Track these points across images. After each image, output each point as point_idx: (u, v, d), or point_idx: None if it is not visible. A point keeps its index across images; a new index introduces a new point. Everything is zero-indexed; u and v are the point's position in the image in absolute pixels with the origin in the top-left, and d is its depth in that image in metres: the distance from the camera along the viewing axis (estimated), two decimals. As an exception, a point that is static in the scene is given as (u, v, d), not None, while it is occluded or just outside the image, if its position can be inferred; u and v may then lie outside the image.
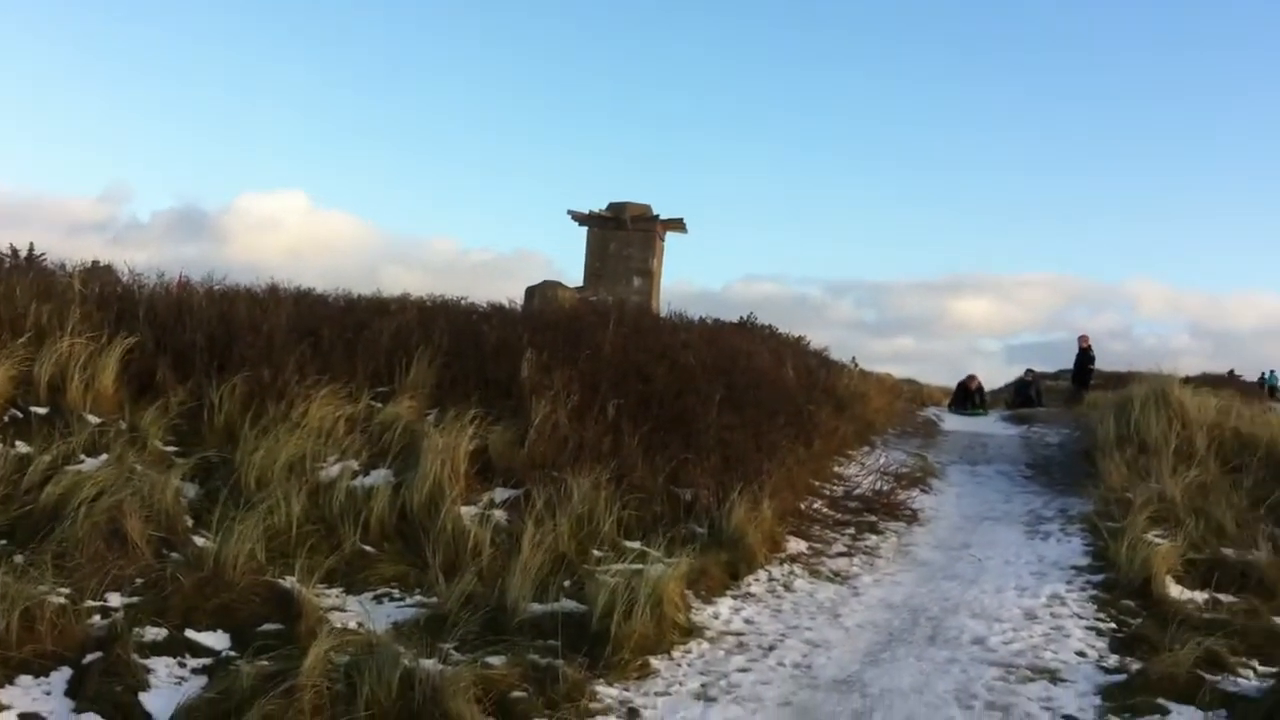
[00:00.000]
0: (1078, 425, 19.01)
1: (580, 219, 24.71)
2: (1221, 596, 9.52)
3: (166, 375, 9.87)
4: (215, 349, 10.49)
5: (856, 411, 18.86)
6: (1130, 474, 13.30)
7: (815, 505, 12.76)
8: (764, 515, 10.70)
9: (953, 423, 23.09)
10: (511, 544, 8.84)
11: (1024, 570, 10.75)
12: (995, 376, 40.48)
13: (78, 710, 5.92)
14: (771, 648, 8.18)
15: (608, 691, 7.08)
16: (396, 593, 8.34)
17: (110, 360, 9.59)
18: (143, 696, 6.13)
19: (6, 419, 9.02)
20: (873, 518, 12.71)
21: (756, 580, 9.90)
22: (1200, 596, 9.57)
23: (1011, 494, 14.93)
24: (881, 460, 15.94)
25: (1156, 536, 10.70)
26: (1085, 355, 25.58)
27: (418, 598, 8.23)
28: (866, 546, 11.56)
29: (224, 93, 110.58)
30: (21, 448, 8.58)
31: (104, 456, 8.58)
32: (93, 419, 9.07)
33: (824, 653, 8.12)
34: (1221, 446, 13.93)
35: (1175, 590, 9.66)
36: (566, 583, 8.51)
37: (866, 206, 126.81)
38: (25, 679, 6.15)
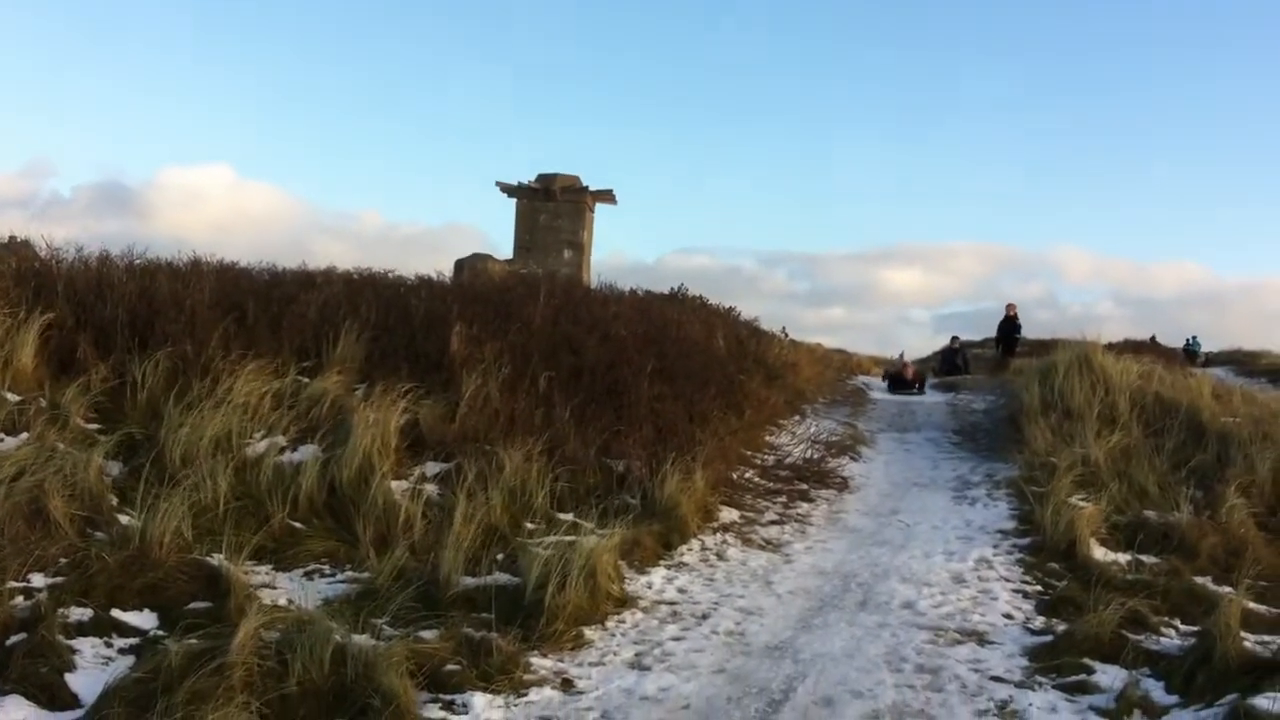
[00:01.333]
0: (1003, 392, 19.31)
1: (509, 190, 24.54)
2: (1144, 558, 9.73)
3: (87, 352, 9.65)
4: (137, 325, 10.27)
5: (787, 381, 19.00)
6: (1055, 439, 13.55)
7: (747, 474, 12.84)
8: (696, 485, 10.74)
9: (882, 391, 23.35)
10: (443, 518, 8.79)
11: (952, 535, 10.92)
12: (924, 346, 40.98)
13: (2, 692, 5.79)
14: (705, 616, 8.23)
15: (542, 663, 7.08)
16: (327, 569, 8.25)
17: (28, 337, 9.35)
18: (69, 678, 6.00)
19: (-80, 398, 8.77)
20: (804, 486, 12.82)
21: (689, 550, 9.95)
22: (1123, 558, 9.78)
23: (939, 460, 15.13)
24: (812, 429, 16.09)
25: (1081, 500, 10.93)
26: (1011, 323, 25.96)
27: (349, 573, 8.15)
28: (798, 514, 11.67)
29: (148, 64, 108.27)
30: (-63, 427, 8.35)
31: (24, 435, 8.38)
32: (11, 397, 8.85)
33: (757, 620, 8.18)
34: (1144, 411, 14.22)
35: (1099, 552, 9.86)
36: (499, 556, 8.49)
37: (800, 176, 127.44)
38: (-55, 660, 6.00)
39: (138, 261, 12.00)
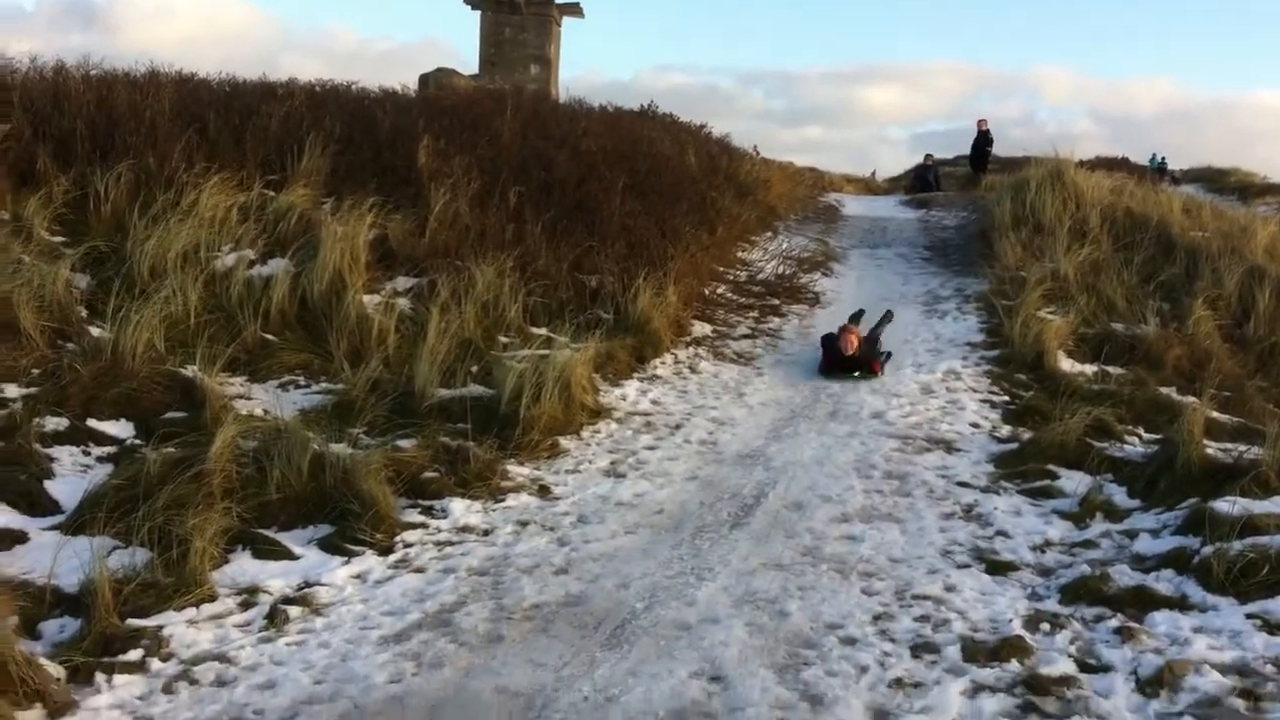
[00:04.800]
0: (975, 208, 19.25)
1: (474, 3, 23.76)
2: (1110, 369, 9.89)
3: (47, 164, 9.39)
4: (97, 137, 9.99)
5: (759, 198, 18.84)
6: (1025, 254, 13.58)
7: (719, 290, 12.86)
8: (669, 301, 10.76)
9: (853, 208, 23.23)
10: (417, 332, 8.79)
11: (921, 348, 11.03)
12: (898, 164, 40.74)
13: (-19, 499, 5.83)
14: (678, 426, 8.34)
15: (519, 470, 7.18)
16: (302, 380, 8.26)
17: (-15, 149, 9.10)
18: (48, 484, 6.05)
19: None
20: (775, 301, 12.86)
21: (662, 363, 10.02)
22: (1090, 369, 9.92)
23: (910, 276, 15.16)
24: (784, 245, 16.04)
25: (1049, 313, 11.02)
26: (984, 138, 25.66)
27: (324, 385, 8.16)
28: (769, 329, 11.73)
29: None
30: (-104, 240, 8.17)
31: (-13, 248, 8.22)
32: (-29, 209, 8.67)
33: (729, 430, 8.30)
34: (1114, 225, 14.22)
35: (1066, 364, 10.00)
36: (474, 369, 8.51)
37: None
38: (-78, 470, 6.01)
39: (94, 72, 11.59)
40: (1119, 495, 6.87)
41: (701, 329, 11.26)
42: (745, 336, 11.30)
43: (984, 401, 9.14)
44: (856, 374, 9.82)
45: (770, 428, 8.40)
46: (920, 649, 4.83)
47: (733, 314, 12.11)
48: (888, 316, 11.11)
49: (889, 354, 10.37)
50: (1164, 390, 9.28)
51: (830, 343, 10.02)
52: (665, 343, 10.37)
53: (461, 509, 6.43)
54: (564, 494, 6.83)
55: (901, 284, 14.63)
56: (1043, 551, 6.05)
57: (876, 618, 5.15)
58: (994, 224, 15.26)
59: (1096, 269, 12.62)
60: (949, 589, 5.50)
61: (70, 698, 4.21)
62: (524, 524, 6.30)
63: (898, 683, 4.53)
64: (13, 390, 6.94)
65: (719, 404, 8.97)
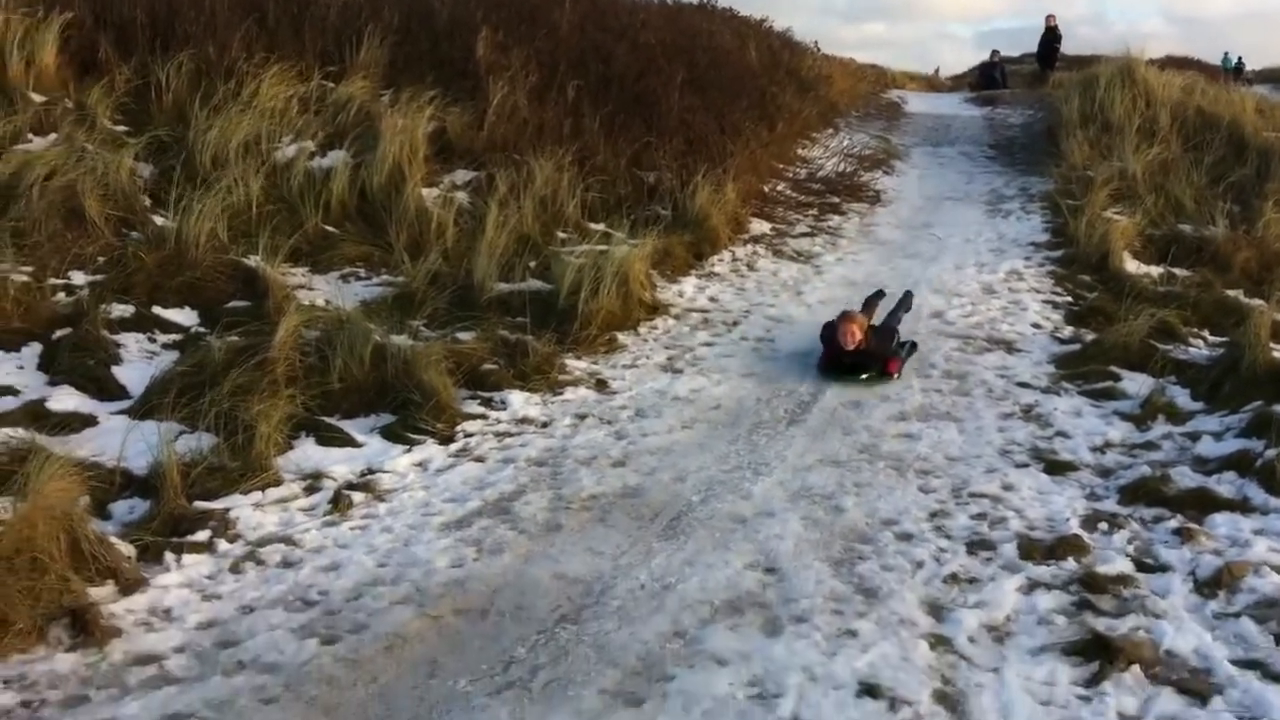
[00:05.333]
0: (1042, 106, 18.82)
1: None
2: (1176, 271, 9.70)
3: (109, 53, 9.39)
4: (157, 26, 9.95)
5: (820, 94, 18.51)
6: (1092, 152, 13.27)
7: (778, 187, 12.71)
8: (727, 197, 10.65)
9: (916, 105, 22.80)
10: (475, 226, 8.78)
11: (984, 248, 10.87)
12: (962, 62, 39.81)
13: (52, 383, 5.96)
14: (735, 323, 8.32)
15: (576, 364, 7.22)
16: (362, 272, 8.31)
17: (49, 36, 9.07)
18: (115, 370, 6.17)
19: (-57, 99, 8.62)
20: (835, 199, 12.71)
21: (720, 260, 9.97)
22: (1156, 271, 9.74)
23: (973, 174, 14.91)
24: (845, 142, 15.80)
25: (1115, 213, 10.81)
26: (1051, 35, 24.93)
27: (384, 277, 8.21)
28: (829, 227, 11.61)
29: None
30: (-38, 128, 8.25)
31: (53, 136, 8.26)
32: (37, 97, 8.68)
33: (786, 327, 8.27)
34: (1184, 125, 13.83)
35: (1132, 265, 9.82)
36: (532, 263, 8.51)
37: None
38: (-4, 353, 6.16)
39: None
40: (1182, 398, 6.79)
41: (760, 226, 11.16)
42: (804, 234, 11.19)
43: (1046, 302, 9.01)
44: (864, 376, 7.13)
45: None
46: (976, 546, 4.85)
47: (792, 212, 11.99)
48: (907, 300, 8.33)
49: (912, 345, 7.69)
50: (1231, 293, 9.08)
51: (829, 335, 7.33)
52: (723, 240, 10.30)
53: (520, 401, 6.49)
54: (621, 388, 6.87)
55: (965, 182, 14.39)
56: (1102, 452, 6.01)
57: (933, 515, 5.16)
58: (1061, 122, 14.90)
59: (1165, 169, 12.31)
60: (1006, 488, 5.50)
61: (140, 575, 4.34)
62: (582, 417, 6.36)
63: (953, 578, 4.55)
64: (80, 277, 7.05)
65: (777, 302, 8.93)
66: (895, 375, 7.14)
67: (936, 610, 4.29)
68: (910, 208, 12.77)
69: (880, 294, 8.47)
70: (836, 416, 6.46)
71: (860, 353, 7.14)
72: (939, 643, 4.06)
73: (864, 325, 7.26)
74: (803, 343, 7.80)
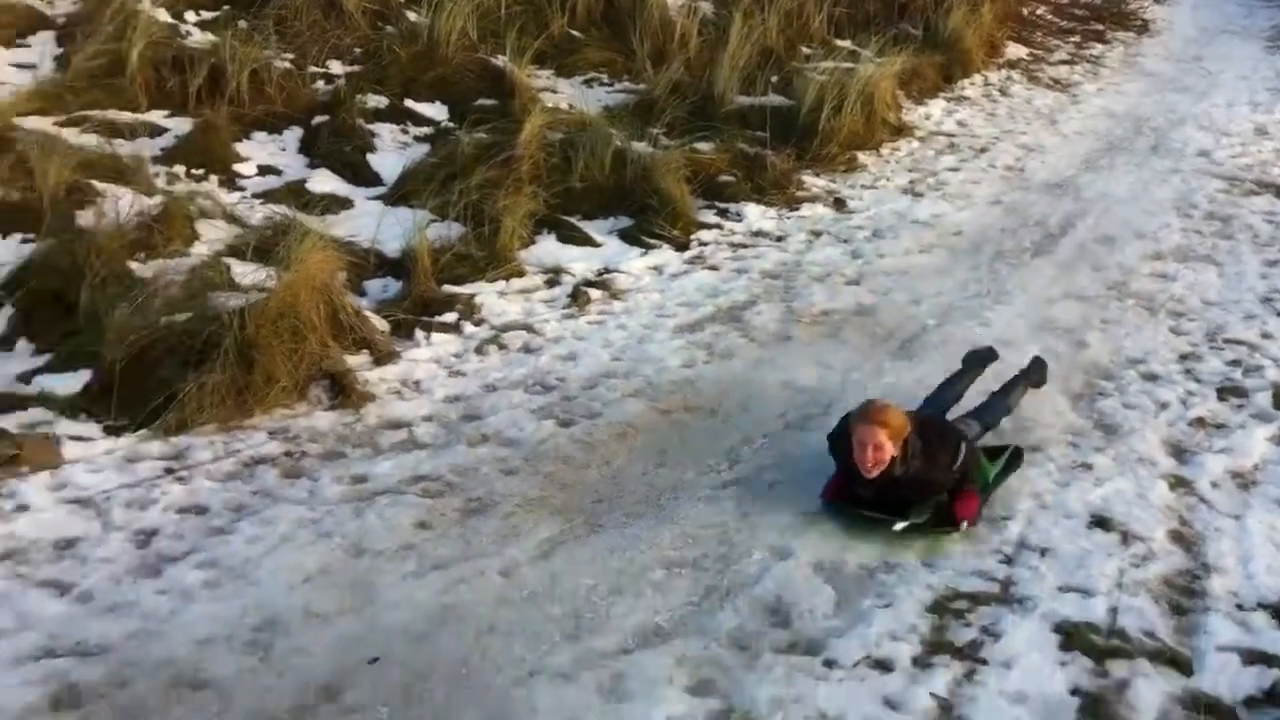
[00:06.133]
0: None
1: None
2: None
3: None
4: None
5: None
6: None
7: (1039, 11, 12.01)
8: (983, 18, 10.13)
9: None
10: (718, 36, 8.60)
11: (1260, 86, 10.06)
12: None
13: (311, 166, 6.24)
14: (984, 150, 8.00)
15: (814, 181, 7.10)
16: (605, 78, 8.28)
17: None
18: (370, 157, 6.39)
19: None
20: (1100, 26, 11.94)
21: (971, 84, 9.54)
22: None
23: (1254, 7, 13.71)
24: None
25: None
26: None
27: (625, 84, 8.17)
28: (1091, 55, 10.92)
29: None
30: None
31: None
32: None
33: (1038, 157, 7.90)
34: None
35: None
36: (774, 78, 8.30)
37: None
38: (260, 135, 6.45)
39: None
40: None
41: (1016, 51, 10.59)
42: (1063, 62, 10.56)
43: (1328, 147, 8.31)
44: (900, 527, 3.62)
45: (1084, 158, 7.93)
46: (1227, 392, 4.63)
47: (1051, 37, 11.32)
48: (1034, 373, 4.49)
49: (1013, 456, 3.99)
50: None
51: (838, 448, 3.76)
52: (976, 63, 9.83)
53: (756, 214, 6.45)
54: (859, 208, 6.73)
55: (1244, 16, 13.27)
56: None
57: (1183, 357, 4.93)
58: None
59: None
60: (1265, 335, 5.20)
61: (392, 349, 4.58)
62: (817, 234, 6.28)
63: (1199, 421, 4.37)
64: (337, 67, 7.28)
65: (1029, 129, 8.51)
66: (964, 526, 3.64)
67: (1179, 452, 4.13)
68: (1181, 39, 11.88)
69: (989, 355, 4.63)
70: (1086, 251, 6.17)
71: (893, 482, 3.63)
72: (1179, 484, 3.92)
73: (900, 430, 3.60)
74: (1054, 173, 7.44)
